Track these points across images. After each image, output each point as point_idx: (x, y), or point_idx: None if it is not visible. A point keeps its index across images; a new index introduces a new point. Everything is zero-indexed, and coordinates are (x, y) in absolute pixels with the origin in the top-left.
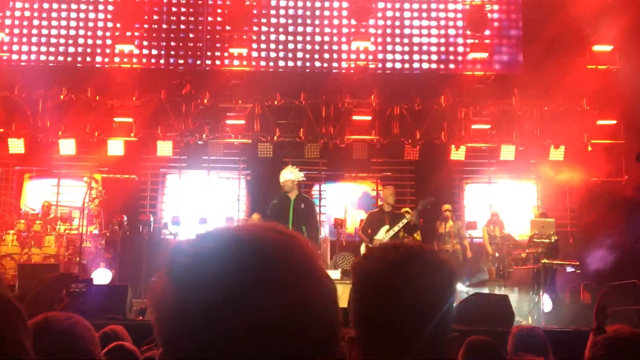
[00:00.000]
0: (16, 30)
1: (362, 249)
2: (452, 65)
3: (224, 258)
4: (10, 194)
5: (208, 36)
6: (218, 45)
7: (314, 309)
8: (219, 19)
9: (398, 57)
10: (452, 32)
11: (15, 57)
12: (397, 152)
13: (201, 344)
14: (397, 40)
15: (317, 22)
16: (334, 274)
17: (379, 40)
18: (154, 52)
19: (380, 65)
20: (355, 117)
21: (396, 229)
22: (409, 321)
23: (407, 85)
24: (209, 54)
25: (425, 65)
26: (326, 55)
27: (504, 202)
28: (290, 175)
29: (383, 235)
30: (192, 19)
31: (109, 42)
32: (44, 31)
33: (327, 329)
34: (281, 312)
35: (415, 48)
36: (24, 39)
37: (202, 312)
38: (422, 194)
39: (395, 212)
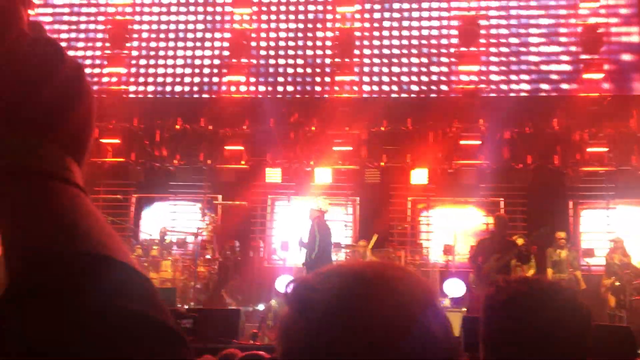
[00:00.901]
0: (133, 69)
1: (471, 278)
2: (565, 86)
3: (355, 296)
4: (129, 220)
5: (316, 65)
6: (325, 72)
7: (438, 342)
8: (327, 51)
9: (506, 79)
10: (564, 52)
11: (133, 88)
12: (508, 177)
13: None
14: (505, 61)
15: (424, 49)
16: (443, 302)
17: (486, 64)
18: (263, 81)
19: (489, 88)
20: (463, 142)
21: (507, 257)
22: (536, 352)
23: (517, 108)
24: (317, 80)
25: (536, 87)
26: (433, 79)
27: (624, 229)
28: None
29: (493, 263)
30: (300, 50)
31: (215, 73)
32: (160, 66)
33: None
34: (412, 348)
35: (524, 69)
36: (141, 74)
37: (334, 348)
38: (534, 220)
39: (507, 239)
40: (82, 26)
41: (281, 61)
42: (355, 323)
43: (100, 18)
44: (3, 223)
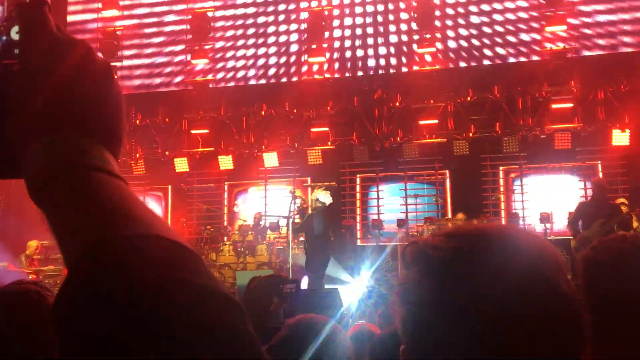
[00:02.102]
0: (219, 63)
1: (572, 243)
2: None
3: (481, 251)
4: (223, 207)
5: (395, 39)
6: (405, 46)
7: (569, 303)
8: (403, 25)
9: (596, 38)
10: None
11: (219, 82)
12: (605, 139)
13: (474, 339)
14: (592, 21)
15: (507, 14)
16: None
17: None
18: (344, 61)
19: (579, 47)
20: (554, 106)
21: (612, 222)
22: None
23: (610, 67)
24: (398, 55)
25: (629, 42)
26: (517, 43)
27: None
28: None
29: (597, 228)
30: (380, 27)
31: (296, 57)
32: (240, 54)
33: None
34: (545, 306)
35: (613, 28)
36: (226, 64)
37: (463, 303)
38: (635, 182)
39: (610, 203)
40: (166, 20)
41: (361, 38)
42: (482, 279)
43: (181, 11)
44: (56, 217)
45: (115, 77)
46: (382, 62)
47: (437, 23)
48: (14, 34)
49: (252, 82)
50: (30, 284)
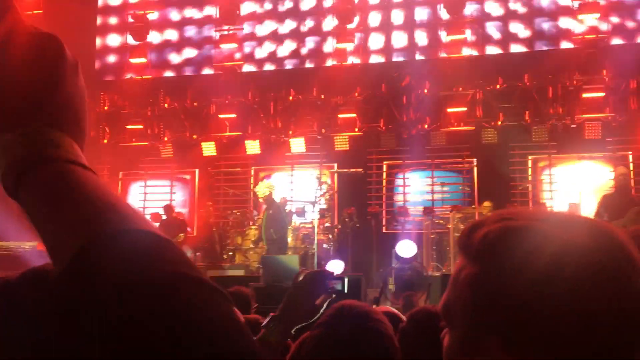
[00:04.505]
0: (247, 48)
1: None
2: None
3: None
4: (250, 192)
5: (424, 25)
6: (435, 33)
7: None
8: (432, 11)
9: (630, 27)
10: None
11: (248, 66)
12: (636, 129)
13: (548, 329)
14: (625, 9)
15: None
16: None
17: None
18: (372, 48)
19: (611, 36)
20: (585, 95)
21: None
22: None
23: None
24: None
25: None
26: (549, 32)
27: None
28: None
29: (633, 217)
30: (409, 10)
31: (324, 42)
32: (269, 39)
33: None
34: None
35: None
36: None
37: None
38: None
39: (634, 195)
40: (192, 6)
41: (387, 24)
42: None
43: None
44: (39, 214)
45: (80, 73)
46: (411, 48)
47: (468, 9)
48: None
49: (280, 67)
50: None
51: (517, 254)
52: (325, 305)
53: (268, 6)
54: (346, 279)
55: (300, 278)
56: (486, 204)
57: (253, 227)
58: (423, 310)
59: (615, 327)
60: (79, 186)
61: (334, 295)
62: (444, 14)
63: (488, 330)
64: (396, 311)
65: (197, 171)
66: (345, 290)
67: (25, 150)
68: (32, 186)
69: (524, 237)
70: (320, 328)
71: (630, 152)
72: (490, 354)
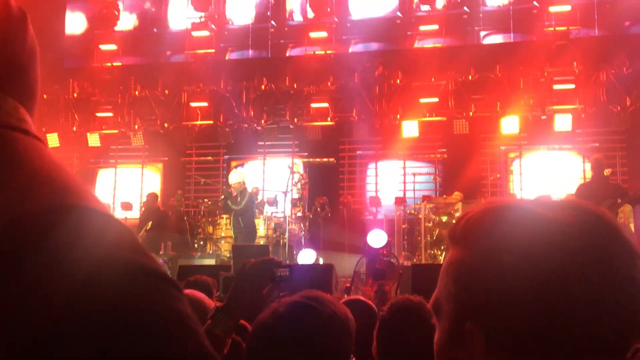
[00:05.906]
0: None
1: None
2: None
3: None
4: (221, 181)
5: (399, 15)
6: (409, 23)
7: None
8: (405, 1)
9: (600, 19)
10: None
11: (219, 54)
12: (605, 121)
13: (530, 313)
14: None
15: None
16: None
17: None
18: (345, 37)
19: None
20: (555, 87)
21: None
22: None
23: (612, 48)
24: (401, 32)
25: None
26: (520, 23)
27: None
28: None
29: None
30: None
31: (297, 31)
32: (242, 26)
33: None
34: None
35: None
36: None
37: (540, 278)
38: (634, 165)
39: (611, 183)
40: None
41: (363, 15)
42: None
43: None
44: None
45: (30, 27)
46: (384, 38)
47: (441, 0)
48: None
49: (253, 56)
50: None
51: (496, 232)
52: (275, 296)
53: None
54: (293, 268)
55: (247, 268)
56: (456, 193)
57: (224, 216)
58: (403, 300)
59: (603, 311)
60: (17, 155)
61: (281, 284)
62: (417, 4)
63: (467, 316)
64: (368, 300)
65: (167, 160)
66: (292, 280)
67: None
68: None
69: (504, 215)
70: (269, 318)
71: (598, 144)
72: (473, 343)
